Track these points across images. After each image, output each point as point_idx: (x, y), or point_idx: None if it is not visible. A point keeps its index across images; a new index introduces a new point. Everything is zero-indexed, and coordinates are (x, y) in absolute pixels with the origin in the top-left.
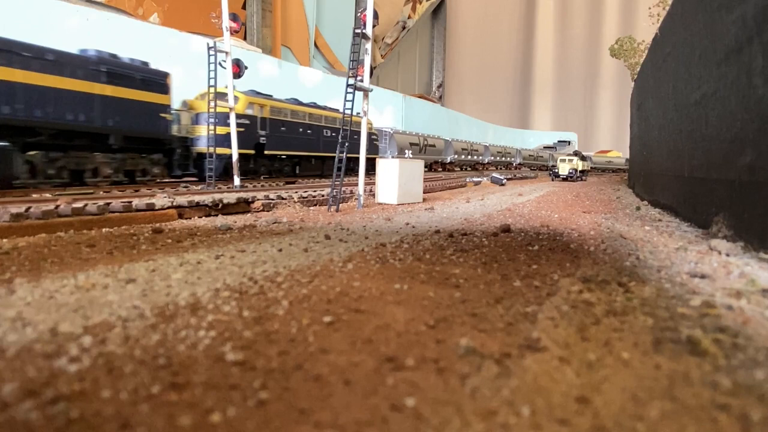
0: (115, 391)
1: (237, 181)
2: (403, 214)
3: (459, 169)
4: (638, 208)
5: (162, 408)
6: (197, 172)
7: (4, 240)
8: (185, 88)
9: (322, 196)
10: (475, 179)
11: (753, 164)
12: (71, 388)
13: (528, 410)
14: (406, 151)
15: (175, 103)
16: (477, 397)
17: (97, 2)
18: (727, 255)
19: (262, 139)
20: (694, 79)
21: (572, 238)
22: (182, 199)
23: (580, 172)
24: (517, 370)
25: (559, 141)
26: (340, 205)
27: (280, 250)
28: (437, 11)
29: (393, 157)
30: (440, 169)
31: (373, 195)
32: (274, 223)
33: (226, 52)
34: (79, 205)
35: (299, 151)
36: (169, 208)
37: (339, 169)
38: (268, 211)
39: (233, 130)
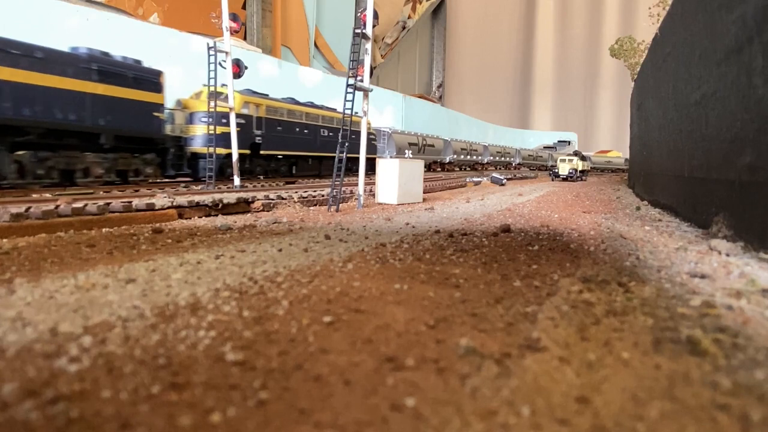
0: (115, 391)
1: (237, 181)
2: (403, 214)
3: (458, 169)
4: (638, 208)
5: (162, 408)
6: (191, 172)
7: (4, 240)
8: (185, 88)
9: (322, 196)
10: (475, 179)
11: (753, 164)
12: (71, 388)
13: (528, 410)
14: (406, 151)
15: (171, 102)
16: (477, 397)
17: (97, 2)
18: (727, 255)
19: (258, 139)
20: (694, 79)
21: (572, 238)
22: (182, 199)
23: (580, 172)
24: (517, 370)
25: (559, 141)
26: (340, 205)
27: (280, 250)
28: (437, 11)
29: (391, 157)
30: (439, 169)
31: (373, 195)
32: (274, 223)
33: (226, 52)
34: (79, 205)
35: (296, 150)
36: (169, 208)
37: (339, 169)
38: (268, 211)
39: (233, 130)
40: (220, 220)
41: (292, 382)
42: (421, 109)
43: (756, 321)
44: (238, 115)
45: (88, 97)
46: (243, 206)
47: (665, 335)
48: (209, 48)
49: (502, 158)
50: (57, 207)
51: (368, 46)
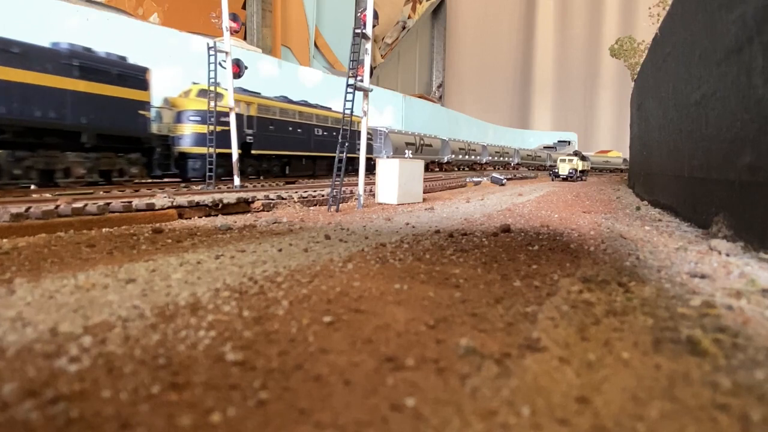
0: (115, 391)
1: (237, 181)
2: (403, 214)
3: (457, 169)
4: (638, 208)
5: (162, 408)
6: (179, 172)
7: (4, 240)
8: (186, 88)
9: (322, 196)
10: (475, 179)
11: (753, 164)
12: (71, 388)
13: (528, 410)
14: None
15: (162, 100)
16: (477, 397)
17: (97, 2)
18: (727, 255)
19: (249, 138)
20: (694, 79)
21: (572, 238)
22: (182, 199)
23: (580, 172)
24: (517, 370)
25: (559, 141)
26: (340, 205)
27: (280, 250)
28: (437, 11)
29: (388, 156)
30: (437, 169)
31: (373, 195)
32: (274, 223)
33: (226, 52)
34: (79, 205)
35: (289, 150)
36: (169, 208)
37: (339, 169)
38: (268, 211)
39: (233, 130)
40: (220, 220)
41: (292, 382)
42: (421, 109)
43: (756, 321)
44: (227, 114)
45: (69, 94)
46: (243, 206)
47: (665, 335)
48: (209, 48)
49: (501, 158)
50: (57, 207)
51: (368, 46)
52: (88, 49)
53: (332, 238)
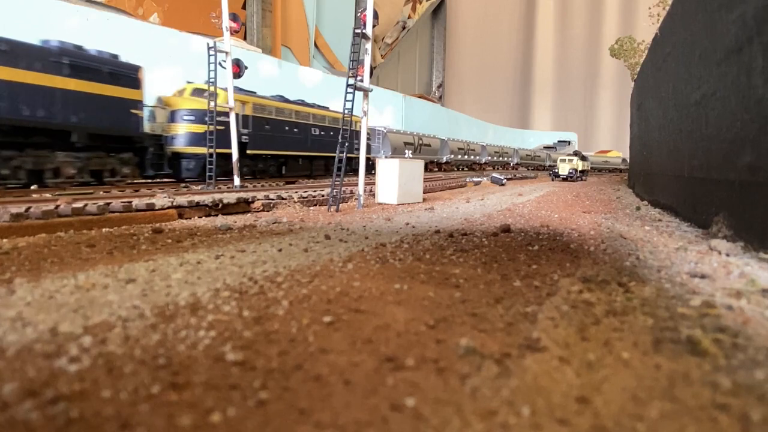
0: (115, 391)
1: (237, 181)
2: (403, 214)
3: (456, 169)
4: (638, 208)
5: (162, 408)
6: (172, 173)
7: (4, 240)
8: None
9: (322, 196)
10: (475, 179)
11: (753, 164)
12: (71, 388)
13: (528, 410)
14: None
15: (156, 99)
16: (477, 397)
17: (97, 2)
18: (727, 255)
19: (245, 138)
20: (694, 79)
21: (572, 238)
22: (182, 199)
23: (580, 172)
24: (517, 370)
25: (559, 141)
26: (340, 205)
27: (280, 250)
28: (437, 11)
29: (386, 156)
30: (436, 169)
31: (373, 195)
32: (274, 223)
33: (226, 52)
34: (79, 205)
35: (285, 150)
36: (169, 208)
37: (339, 169)
38: (268, 211)
39: (233, 130)
40: (220, 220)
41: (292, 382)
42: (421, 109)
43: (756, 321)
44: (222, 113)
45: (59, 93)
46: (243, 206)
47: (665, 335)
48: (209, 48)
49: (500, 158)
50: (57, 207)
51: (368, 46)
52: (79, 47)
53: (332, 238)
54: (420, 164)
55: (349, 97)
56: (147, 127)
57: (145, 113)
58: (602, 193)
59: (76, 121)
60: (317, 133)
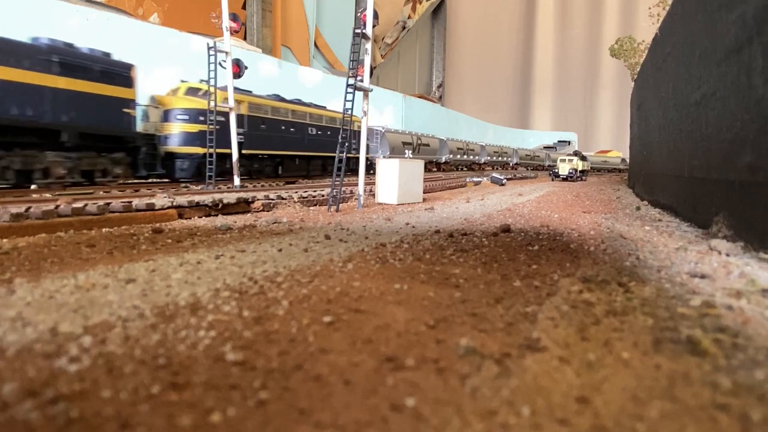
0: (115, 391)
1: (237, 181)
2: (403, 214)
3: (456, 169)
4: (638, 208)
5: (162, 408)
6: (166, 173)
7: (4, 240)
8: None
9: (322, 196)
10: (475, 179)
11: (753, 164)
12: (71, 388)
13: (528, 410)
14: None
15: (149, 98)
16: (477, 397)
17: (97, 2)
18: (727, 255)
19: (240, 138)
20: (694, 79)
21: (572, 238)
22: (182, 199)
23: (580, 172)
24: (517, 370)
25: (559, 141)
26: (340, 205)
27: (280, 250)
28: (437, 11)
29: (384, 156)
30: (435, 169)
31: (373, 195)
32: (274, 223)
33: (226, 52)
34: (79, 205)
35: (281, 150)
36: (169, 208)
37: (339, 169)
38: (268, 211)
39: (233, 130)
40: (220, 220)
41: (292, 382)
42: (421, 109)
43: (756, 321)
44: (217, 113)
45: (48, 92)
46: (243, 206)
47: (665, 335)
48: (209, 48)
49: (500, 158)
50: (57, 207)
51: (368, 46)
52: (70, 45)
53: (332, 238)
54: (420, 164)
55: (349, 97)
56: (141, 126)
57: (139, 112)
58: (602, 193)
59: (66, 121)
60: (314, 132)
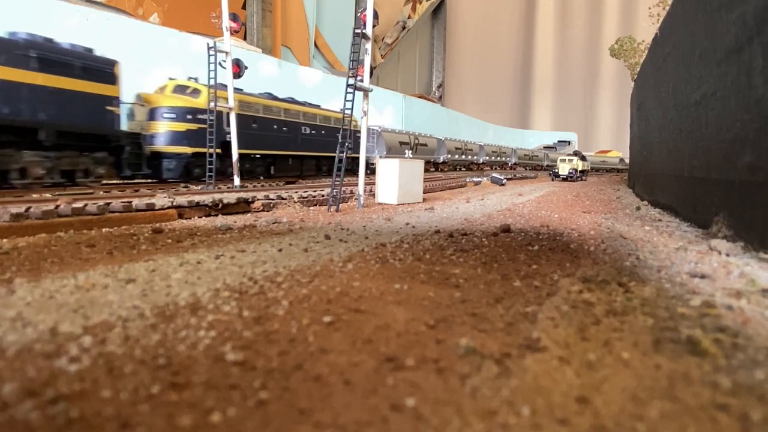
0: (115, 391)
1: (237, 181)
2: (403, 214)
3: (455, 169)
4: (638, 208)
5: (162, 408)
6: (152, 173)
7: (4, 240)
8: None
9: (322, 196)
10: (475, 179)
11: (753, 164)
12: (71, 388)
13: (528, 410)
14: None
15: (135, 96)
16: (477, 397)
17: (97, 2)
18: (727, 255)
19: (229, 137)
20: (694, 79)
21: (572, 238)
22: (182, 199)
23: (580, 172)
24: (517, 370)
25: (559, 141)
26: (340, 205)
27: (280, 250)
28: (437, 11)
29: (381, 156)
30: (433, 169)
31: (373, 195)
32: (274, 223)
33: (226, 52)
34: (79, 205)
35: (273, 149)
36: (169, 208)
37: (339, 169)
38: (268, 211)
39: (233, 130)
40: (220, 220)
41: (292, 382)
42: (421, 109)
43: (756, 321)
44: (205, 111)
45: (25, 88)
46: (243, 206)
47: (665, 335)
48: (209, 48)
49: (498, 158)
50: (57, 207)
51: (368, 46)
52: (49, 40)
53: (332, 238)
54: (420, 164)
55: (349, 97)
56: (126, 125)
57: (124, 111)
58: (602, 193)
59: (45, 119)
60: (308, 132)
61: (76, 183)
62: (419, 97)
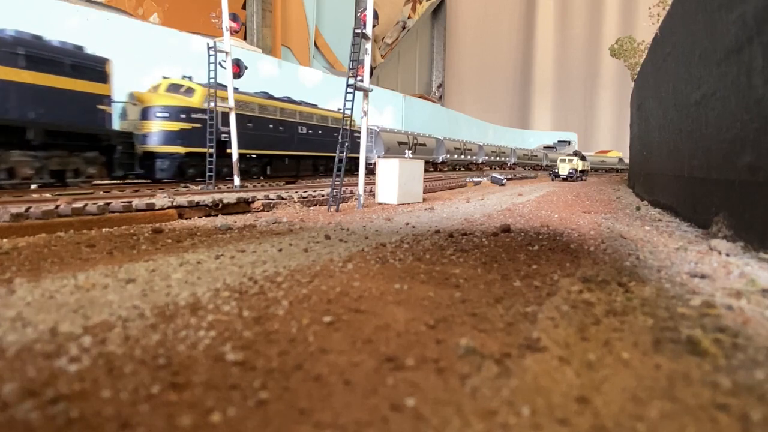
0: (115, 391)
1: (237, 181)
2: (403, 214)
3: (455, 169)
4: (638, 208)
5: (162, 408)
6: (145, 173)
7: (4, 240)
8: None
9: (322, 196)
10: (475, 179)
11: (753, 164)
12: (71, 388)
13: (528, 410)
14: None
15: (127, 95)
16: (477, 397)
17: (97, 2)
18: (727, 255)
19: (224, 136)
20: (694, 79)
21: (572, 238)
22: (182, 199)
23: (580, 172)
24: (517, 370)
25: (559, 141)
26: (340, 205)
27: (280, 250)
28: (437, 11)
29: (379, 156)
30: (432, 169)
31: (373, 195)
32: (274, 223)
33: (226, 52)
34: (79, 205)
35: (269, 149)
36: (169, 208)
37: (339, 169)
38: (268, 211)
39: (233, 130)
40: (220, 220)
41: (292, 382)
42: (421, 109)
43: (756, 321)
44: (199, 110)
45: (13, 87)
46: (243, 206)
47: (665, 335)
48: (209, 48)
49: (498, 158)
50: (57, 207)
51: (368, 46)
52: (38, 37)
53: (332, 238)
54: (420, 164)
55: (349, 97)
56: (118, 124)
57: (117, 110)
58: (602, 193)
59: (33, 118)
60: (304, 131)
61: (67, 183)
62: (419, 97)
